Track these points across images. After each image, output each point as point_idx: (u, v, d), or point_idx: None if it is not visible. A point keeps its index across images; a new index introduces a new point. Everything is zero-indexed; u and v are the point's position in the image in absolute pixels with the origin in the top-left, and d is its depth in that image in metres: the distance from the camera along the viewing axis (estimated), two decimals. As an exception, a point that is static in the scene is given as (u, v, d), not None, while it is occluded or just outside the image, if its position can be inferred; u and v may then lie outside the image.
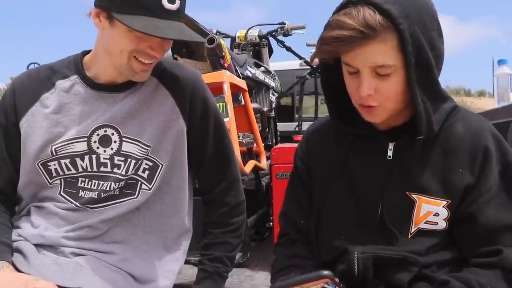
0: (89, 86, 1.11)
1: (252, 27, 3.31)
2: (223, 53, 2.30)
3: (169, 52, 2.10)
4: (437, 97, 0.89)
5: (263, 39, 3.31)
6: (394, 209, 0.91)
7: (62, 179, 1.10)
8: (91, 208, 1.08)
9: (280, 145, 2.69)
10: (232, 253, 1.20)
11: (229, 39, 3.31)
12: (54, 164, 1.09)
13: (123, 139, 1.09)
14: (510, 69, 2.30)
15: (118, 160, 1.08)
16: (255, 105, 2.76)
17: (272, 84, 3.27)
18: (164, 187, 1.12)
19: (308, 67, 3.69)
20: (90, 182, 1.09)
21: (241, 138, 2.41)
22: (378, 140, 0.95)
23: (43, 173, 1.10)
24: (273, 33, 3.33)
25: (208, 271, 1.16)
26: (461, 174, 0.89)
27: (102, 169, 1.09)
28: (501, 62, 2.35)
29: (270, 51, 3.51)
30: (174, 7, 1.01)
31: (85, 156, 1.09)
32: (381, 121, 0.93)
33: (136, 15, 0.98)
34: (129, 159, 1.08)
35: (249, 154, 2.62)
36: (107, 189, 1.08)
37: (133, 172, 1.08)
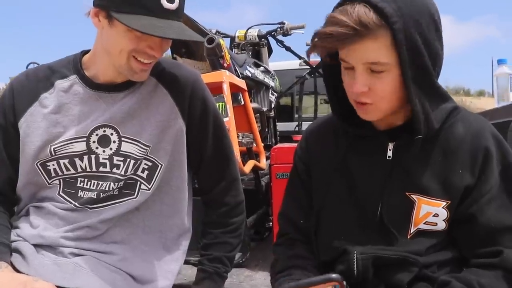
0: (88, 86, 1.11)
1: (251, 26, 3.31)
2: (223, 53, 2.30)
3: (169, 52, 2.10)
4: (436, 97, 0.89)
5: (263, 39, 3.32)
6: (393, 209, 0.91)
7: (61, 179, 1.10)
8: (90, 208, 1.08)
9: (279, 145, 2.69)
10: (231, 253, 1.20)
11: (229, 39, 3.31)
12: (53, 164, 1.09)
13: (122, 139, 1.09)
14: (510, 68, 2.31)
15: (117, 160, 1.08)
16: (254, 105, 2.76)
17: (272, 84, 3.27)
18: (164, 187, 1.12)
19: (308, 67, 3.69)
20: (89, 182, 1.09)
21: (240, 138, 2.41)
22: (378, 140, 0.95)
23: (42, 173, 1.10)
24: (273, 33, 3.34)
25: (207, 271, 1.16)
26: (461, 175, 0.89)
27: (101, 169, 1.08)
28: (500, 61, 2.35)
29: (270, 51, 3.52)
30: (173, 6, 1.01)
31: (84, 156, 1.08)
32: (377, 119, 0.93)
33: (135, 14, 0.98)
34: (128, 159, 1.08)
35: (249, 154, 2.62)
36: (106, 189, 1.08)
37: (132, 172, 1.08)
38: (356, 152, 0.97)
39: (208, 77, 2.08)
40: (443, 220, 0.90)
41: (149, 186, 1.10)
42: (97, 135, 1.08)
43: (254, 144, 2.64)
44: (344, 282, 0.81)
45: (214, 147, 1.17)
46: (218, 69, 2.29)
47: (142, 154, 1.08)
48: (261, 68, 3.12)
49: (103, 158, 1.08)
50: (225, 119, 1.80)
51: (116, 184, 1.07)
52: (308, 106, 5.07)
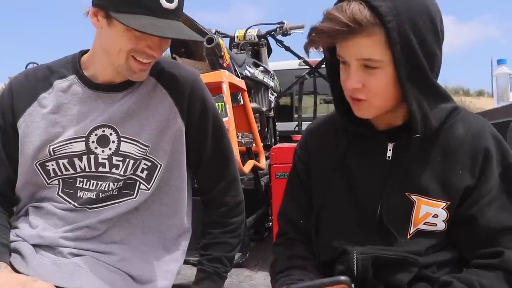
0: (87, 86, 1.11)
1: (251, 26, 3.31)
2: (222, 53, 2.30)
3: (168, 51, 2.10)
4: (435, 96, 0.89)
5: (262, 39, 3.32)
6: (393, 209, 0.91)
7: (60, 180, 1.10)
8: (90, 208, 1.07)
9: (279, 144, 2.69)
10: (231, 253, 1.20)
11: (228, 38, 3.31)
12: (52, 164, 1.09)
13: (122, 139, 1.08)
14: (509, 68, 2.31)
15: (116, 160, 1.08)
16: (254, 104, 2.76)
17: (271, 83, 3.27)
18: (163, 187, 1.12)
19: (307, 67, 3.69)
20: (88, 182, 1.08)
21: (240, 138, 2.41)
22: (377, 140, 0.95)
23: (41, 173, 1.09)
24: (272, 33, 3.34)
25: (207, 271, 1.16)
26: (461, 176, 0.89)
27: (100, 169, 1.08)
28: (500, 61, 2.35)
29: (269, 51, 3.52)
30: (172, 6, 1.01)
31: (83, 156, 1.08)
32: (373, 118, 0.93)
33: (134, 14, 0.97)
34: (127, 159, 1.08)
35: (248, 154, 2.61)
36: (106, 189, 1.07)
37: (131, 172, 1.08)
38: (356, 152, 0.97)
39: (207, 77, 2.07)
40: (443, 220, 0.90)
41: (149, 186, 1.10)
42: (96, 135, 1.08)
43: (254, 144, 2.63)
44: (353, 285, 0.81)
45: (214, 147, 1.17)
46: (217, 69, 2.29)
47: (141, 154, 1.08)
48: (261, 68, 3.12)
49: (102, 158, 1.08)
50: (224, 119, 1.80)
51: (115, 184, 1.07)
52: (307, 106, 5.07)
